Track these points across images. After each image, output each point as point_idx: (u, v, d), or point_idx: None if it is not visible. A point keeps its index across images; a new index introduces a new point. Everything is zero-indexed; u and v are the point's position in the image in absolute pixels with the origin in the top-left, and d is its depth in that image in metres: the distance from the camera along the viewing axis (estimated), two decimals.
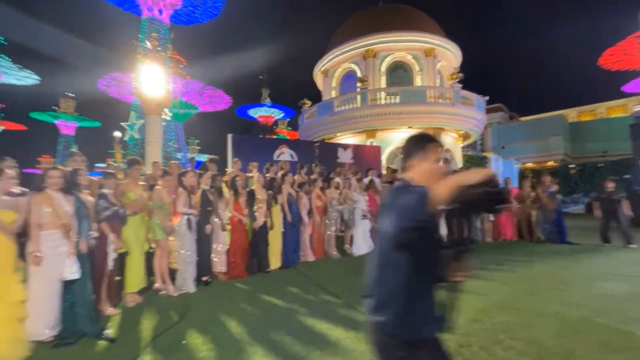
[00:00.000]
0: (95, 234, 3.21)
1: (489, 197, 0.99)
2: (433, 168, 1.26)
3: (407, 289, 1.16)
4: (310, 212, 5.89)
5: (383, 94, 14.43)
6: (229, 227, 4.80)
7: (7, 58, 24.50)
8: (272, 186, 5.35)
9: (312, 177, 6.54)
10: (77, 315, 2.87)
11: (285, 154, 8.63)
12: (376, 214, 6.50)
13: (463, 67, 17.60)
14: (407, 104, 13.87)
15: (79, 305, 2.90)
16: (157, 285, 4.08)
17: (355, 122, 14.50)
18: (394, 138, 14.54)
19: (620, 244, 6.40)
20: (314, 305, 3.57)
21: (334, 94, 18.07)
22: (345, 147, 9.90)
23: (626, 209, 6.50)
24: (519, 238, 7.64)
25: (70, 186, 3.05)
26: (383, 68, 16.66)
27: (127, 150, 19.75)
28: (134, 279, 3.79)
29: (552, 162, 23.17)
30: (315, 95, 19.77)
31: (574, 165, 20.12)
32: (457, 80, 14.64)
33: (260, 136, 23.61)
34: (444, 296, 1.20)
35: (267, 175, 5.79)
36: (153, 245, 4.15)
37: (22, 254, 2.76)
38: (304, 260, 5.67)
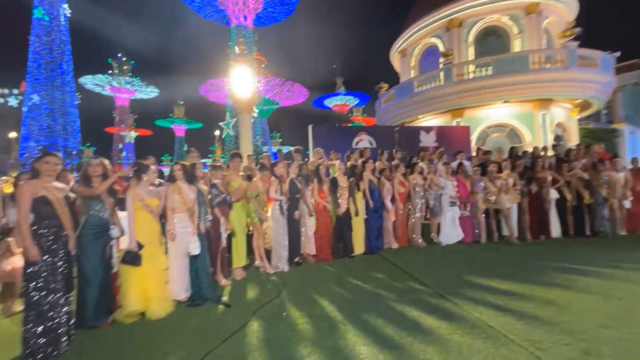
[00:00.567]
0: (210, 217, 3.84)
1: None
2: None
3: None
4: (393, 199, 5.77)
5: (471, 67, 12.81)
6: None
7: (137, 78, 30.63)
8: (353, 173, 5.41)
9: (394, 163, 6.35)
10: (201, 283, 3.51)
11: (364, 141, 8.57)
12: (466, 199, 5.97)
13: (581, 19, 14.19)
14: (502, 75, 12.01)
15: (202, 275, 3.54)
16: (257, 263, 4.66)
17: (439, 102, 13.32)
18: (486, 116, 12.88)
19: None
20: (401, 292, 3.53)
21: (413, 74, 16.94)
22: (428, 129, 9.24)
23: None
24: None
25: (191, 177, 3.70)
26: (470, 37, 14.74)
27: (225, 146, 22.70)
28: (239, 256, 4.41)
29: None
30: (392, 78, 18.89)
31: None
32: (572, 37, 11.91)
33: (337, 125, 23.93)
34: None
35: (348, 162, 5.87)
36: (251, 228, 4.73)
37: (162, 232, 3.50)
38: (387, 247, 5.62)
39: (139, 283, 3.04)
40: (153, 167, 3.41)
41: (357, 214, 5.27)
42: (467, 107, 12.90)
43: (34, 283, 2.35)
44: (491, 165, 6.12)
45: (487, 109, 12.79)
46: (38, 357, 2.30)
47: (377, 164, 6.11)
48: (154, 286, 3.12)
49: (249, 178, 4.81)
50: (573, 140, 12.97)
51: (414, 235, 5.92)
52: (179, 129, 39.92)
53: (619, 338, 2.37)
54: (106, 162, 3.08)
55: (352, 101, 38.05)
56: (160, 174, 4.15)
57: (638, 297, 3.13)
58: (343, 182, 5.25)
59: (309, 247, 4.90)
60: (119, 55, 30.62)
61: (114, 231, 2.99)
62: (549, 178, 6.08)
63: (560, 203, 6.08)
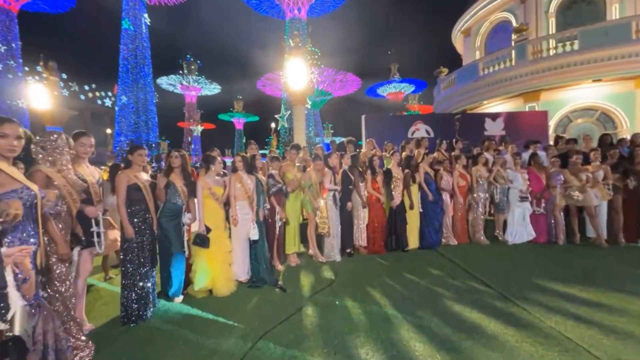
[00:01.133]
0: (268, 205, 4.08)
1: None
2: None
3: None
4: (452, 192, 5.41)
5: (552, 42, 11.10)
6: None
7: (203, 77, 33.43)
8: (408, 165, 5.20)
9: (454, 153, 5.91)
10: (260, 267, 3.77)
11: (420, 130, 8.15)
12: (540, 194, 5.28)
13: None
14: (593, 49, 10.15)
15: (261, 260, 3.80)
16: (310, 251, 4.82)
17: (509, 85, 11.88)
18: (569, 98, 11.11)
19: None
20: (460, 291, 3.33)
21: (478, 55, 15.40)
22: (494, 116, 8.37)
23: None
24: None
25: (250, 168, 3.95)
26: (552, 8, 12.75)
27: (280, 138, 23.68)
28: (290, 243, 4.60)
29: None
30: (453, 62, 17.42)
31: None
32: None
33: (391, 114, 23.11)
34: None
35: (403, 153, 5.65)
36: (306, 217, 4.88)
37: (226, 218, 3.83)
38: (445, 244, 5.32)
39: (207, 263, 3.39)
40: (219, 158, 3.73)
41: (412, 207, 5.08)
42: (544, 89, 11.26)
43: (129, 256, 2.79)
44: (575, 156, 5.27)
45: (571, 90, 11.00)
46: (132, 318, 2.75)
47: (435, 154, 5.76)
48: (219, 267, 3.45)
49: (305, 169, 4.96)
50: None
51: (476, 232, 5.48)
52: (239, 122, 42.65)
53: None
54: (185, 154, 3.46)
55: (407, 88, 36.17)
56: (223, 165, 4.52)
57: None
58: (397, 173, 5.08)
59: (361, 238, 4.89)
60: (188, 56, 33.71)
61: (186, 218, 3.33)
62: None
63: None
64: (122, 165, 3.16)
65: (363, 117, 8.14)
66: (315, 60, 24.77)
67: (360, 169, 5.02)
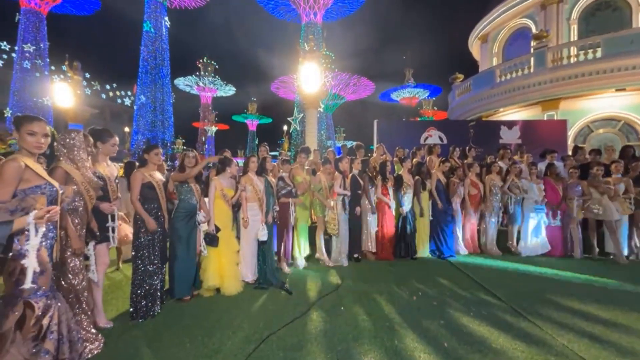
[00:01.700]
0: (277, 208, 4.10)
1: None
2: None
3: None
4: (463, 201, 5.31)
5: (573, 49, 10.79)
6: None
7: (218, 78, 34.07)
8: (419, 171, 5.14)
9: (466, 161, 5.80)
10: (267, 269, 3.79)
11: (433, 137, 8.03)
12: (556, 206, 5.11)
13: None
14: (617, 57, 9.80)
15: (268, 261, 3.82)
16: (318, 255, 4.81)
17: (526, 93, 11.61)
18: (590, 107, 10.78)
19: None
20: (469, 303, 3.25)
21: (495, 61, 15.13)
22: (510, 124, 8.17)
23: None
24: None
25: (260, 170, 3.99)
26: (575, 14, 12.43)
27: (292, 140, 23.85)
28: (298, 245, 4.60)
29: None
30: (469, 68, 17.17)
31: None
32: None
33: (404, 119, 22.92)
34: None
35: (415, 160, 5.59)
36: (315, 221, 4.88)
37: (233, 219, 3.87)
38: (455, 253, 5.21)
39: (215, 262, 3.44)
40: (234, 160, 3.80)
41: (421, 215, 5.01)
42: (563, 97, 10.94)
43: (139, 254, 2.85)
44: (595, 168, 5.08)
45: (592, 99, 10.65)
46: (140, 314, 2.81)
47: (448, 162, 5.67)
48: (227, 265, 3.49)
49: (314, 172, 4.96)
50: None
51: (487, 243, 5.35)
52: (252, 124, 43.18)
53: None
54: (196, 154, 3.53)
55: (421, 94, 35.84)
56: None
57: None
58: (408, 180, 5.03)
59: (369, 244, 4.85)
60: (205, 58, 34.46)
61: (200, 216, 3.39)
62: None
63: None
64: (137, 163, 3.23)
65: (375, 121, 8.10)
66: (329, 64, 24.87)
67: (371, 175, 5.00)
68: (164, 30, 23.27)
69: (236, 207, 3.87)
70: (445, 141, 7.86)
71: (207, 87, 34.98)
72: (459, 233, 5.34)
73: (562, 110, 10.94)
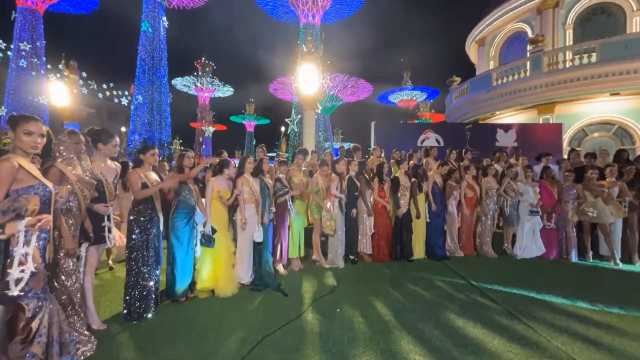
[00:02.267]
0: (274, 209, 4.09)
1: None
2: None
3: None
4: (459, 203, 5.33)
5: (569, 54, 10.91)
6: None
7: (216, 79, 34.01)
8: (416, 173, 5.15)
9: (463, 164, 5.83)
10: (262, 270, 3.77)
11: (430, 139, 8.08)
12: (551, 209, 5.15)
13: None
14: (612, 62, 9.93)
15: (263, 263, 3.81)
16: (314, 256, 4.80)
17: (523, 96, 11.71)
18: (585, 111, 10.89)
19: None
20: (465, 305, 3.26)
21: (492, 65, 15.25)
22: (506, 127, 8.25)
23: None
24: None
25: (256, 171, 3.98)
26: (570, 19, 12.58)
27: (289, 142, 23.84)
28: (294, 247, 4.58)
29: None
30: (466, 71, 17.29)
31: None
32: None
33: (401, 121, 23.00)
34: None
35: (411, 162, 5.61)
36: (311, 222, 4.87)
37: (229, 220, 3.85)
38: (451, 255, 5.23)
39: (211, 263, 3.42)
40: (232, 162, 3.79)
41: (418, 217, 5.02)
42: (559, 101, 11.06)
43: (134, 255, 2.82)
44: (590, 171, 5.13)
45: (587, 103, 10.77)
46: (134, 316, 2.78)
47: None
48: (222, 267, 3.47)
49: (312, 174, 4.96)
50: None
51: (483, 245, 5.37)
52: (250, 125, 43.11)
53: None
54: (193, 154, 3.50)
55: (418, 96, 36.01)
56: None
57: None
58: (405, 182, 5.04)
59: (365, 246, 4.85)
60: (203, 58, 34.39)
61: (200, 217, 3.37)
62: None
63: None
64: (132, 164, 3.19)
65: (373, 123, 8.13)
66: (327, 65, 24.87)
67: (368, 176, 5.00)
68: (161, 30, 23.20)
69: (232, 208, 3.85)
70: (442, 144, 7.91)
71: (204, 88, 34.88)
72: (455, 235, 5.36)
73: (558, 114, 11.05)
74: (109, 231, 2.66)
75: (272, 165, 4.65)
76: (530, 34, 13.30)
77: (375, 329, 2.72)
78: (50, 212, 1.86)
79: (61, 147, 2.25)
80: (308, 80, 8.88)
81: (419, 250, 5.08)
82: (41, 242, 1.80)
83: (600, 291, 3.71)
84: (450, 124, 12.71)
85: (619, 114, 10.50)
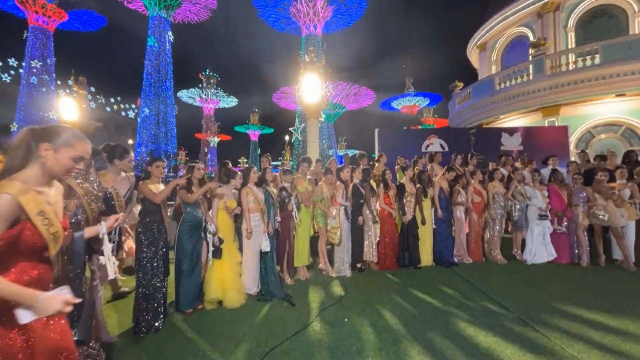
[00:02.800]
0: (279, 218, 4.09)
1: None
2: None
3: None
4: (467, 209, 5.28)
5: (572, 56, 10.87)
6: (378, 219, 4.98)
7: (221, 90, 34.58)
8: (421, 179, 5.13)
9: (468, 168, 5.80)
10: (269, 280, 3.76)
11: (434, 145, 8.05)
12: (561, 213, 5.06)
13: None
14: (615, 63, 9.85)
15: (270, 273, 3.79)
16: (320, 265, 4.77)
17: (526, 100, 11.65)
18: (591, 113, 10.80)
19: None
20: (475, 313, 3.19)
21: (494, 69, 15.26)
22: (511, 131, 8.18)
23: None
24: None
25: (260, 181, 4.00)
26: (571, 22, 12.58)
27: (293, 150, 23.98)
28: (299, 256, 4.56)
29: None
30: (468, 76, 17.32)
31: None
32: None
33: (405, 128, 23.03)
34: None
35: (416, 168, 5.59)
36: (317, 230, 4.86)
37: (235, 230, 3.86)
38: (459, 261, 5.15)
39: (218, 273, 3.42)
40: (239, 173, 3.81)
41: (423, 223, 4.98)
42: (563, 103, 10.97)
43: (142, 267, 2.84)
44: (600, 173, 5.04)
45: (593, 104, 10.67)
46: (143, 328, 2.78)
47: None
48: (230, 277, 3.47)
49: (316, 182, 4.97)
50: None
51: (492, 250, 5.29)
52: (254, 134, 43.52)
53: None
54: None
55: (421, 102, 36.12)
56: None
57: None
58: (410, 188, 5.02)
59: (372, 253, 4.81)
60: (207, 70, 35.05)
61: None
62: None
63: None
64: (142, 175, 3.23)
65: (377, 130, 8.14)
66: (329, 74, 25.10)
67: (376, 183, 4.99)
68: (167, 44, 23.76)
69: (238, 218, 3.87)
70: (446, 149, 7.87)
71: (209, 99, 35.46)
72: (464, 241, 5.29)
73: (563, 116, 10.96)
74: (119, 244, 2.69)
75: (276, 174, 4.67)
76: (531, 38, 13.31)
77: (384, 338, 2.68)
78: None
79: None
80: (311, 89, 8.97)
81: (426, 257, 5.02)
82: None
83: (616, 297, 3.61)
84: (454, 129, 12.69)
85: (626, 115, 10.38)
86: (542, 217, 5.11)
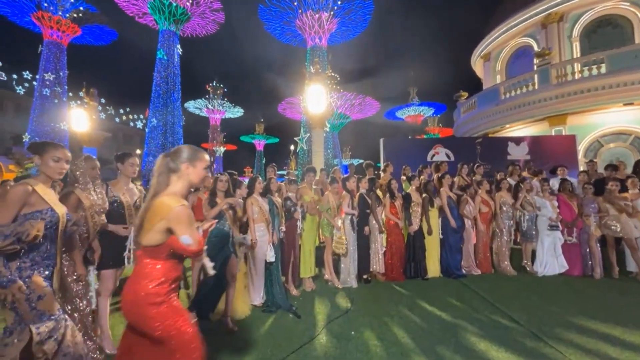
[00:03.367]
0: (283, 228, 4.08)
1: None
2: None
3: None
4: (474, 219, 5.20)
5: (577, 66, 10.85)
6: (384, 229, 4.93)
7: (227, 100, 35.16)
8: (426, 189, 5.09)
9: (475, 178, 5.74)
10: (274, 291, 3.71)
11: (440, 154, 8.02)
12: (571, 223, 4.95)
13: None
14: (622, 72, 9.79)
15: (275, 284, 3.75)
16: (326, 276, 4.71)
17: (532, 109, 11.60)
18: (599, 122, 10.69)
19: None
20: (485, 326, 3.10)
21: (499, 79, 15.28)
22: (518, 140, 8.14)
23: None
24: None
25: (265, 191, 4.00)
26: (576, 32, 12.61)
27: (298, 160, 24.11)
28: (306, 266, 4.51)
29: None
30: (473, 86, 17.37)
31: None
32: None
33: (410, 137, 23.03)
34: None
35: (422, 177, 5.56)
36: (323, 241, 4.82)
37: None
38: (467, 273, 5.04)
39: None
40: (245, 182, 3.82)
41: (430, 233, 4.91)
42: (570, 112, 10.88)
43: None
44: (611, 183, 4.95)
45: (601, 113, 10.57)
46: None
47: (455, 179, 5.62)
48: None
49: (322, 192, 4.96)
50: None
51: (501, 262, 5.18)
52: (259, 144, 43.91)
53: None
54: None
55: (426, 111, 36.23)
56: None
57: None
58: (417, 198, 4.98)
59: (378, 264, 4.74)
60: (214, 81, 35.76)
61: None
62: None
63: None
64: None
65: (382, 140, 8.15)
66: (334, 85, 25.45)
67: (383, 193, 4.95)
68: (176, 57, 24.37)
69: (243, 228, 3.85)
70: (452, 158, 7.83)
71: (216, 110, 36.03)
72: (472, 252, 5.20)
73: (570, 125, 10.86)
74: (130, 251, 2.68)
75: (281, 183, 4.68)
76: (536, 48, 13.36)
77: (392, 352, 2.61)
78: (57, 237, 1.86)
79: (77, 173, 2.33)
80: (316, 99, 9.07)
81: (433, 268, 4.93)
82: (42, 268, 1.79)
83: (632, 310, 3.49)
84: (460, 139, 12.65)
85: (635, 124, 10.26)
86: (552, 227, 5.00)
